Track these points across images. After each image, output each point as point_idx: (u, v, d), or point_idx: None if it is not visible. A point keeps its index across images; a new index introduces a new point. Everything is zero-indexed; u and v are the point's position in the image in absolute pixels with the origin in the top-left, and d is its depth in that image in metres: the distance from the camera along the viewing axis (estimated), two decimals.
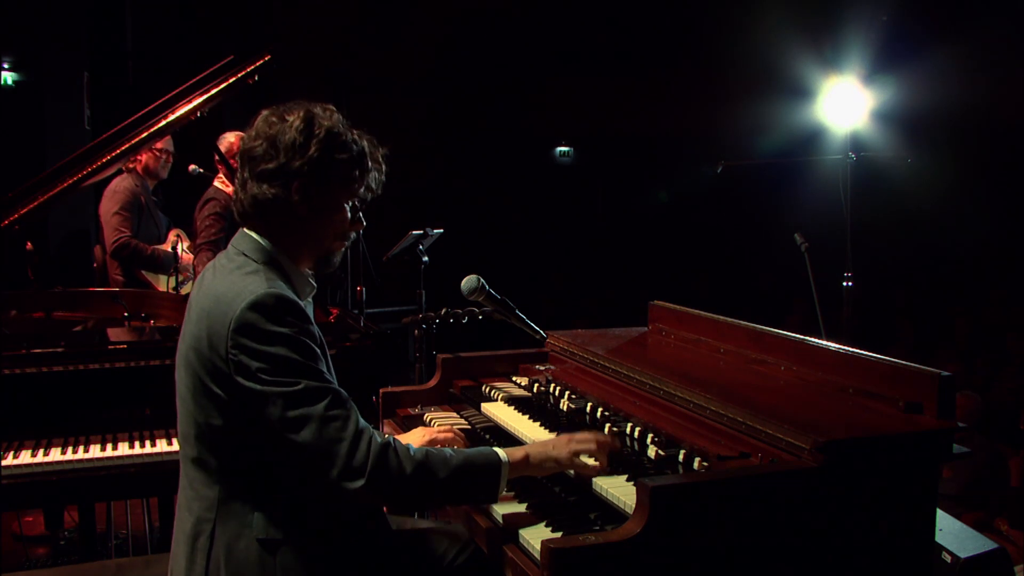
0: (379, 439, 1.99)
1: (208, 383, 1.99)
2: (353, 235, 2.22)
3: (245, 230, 2.14)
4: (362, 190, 2.15)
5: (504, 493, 2.13)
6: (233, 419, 2.00)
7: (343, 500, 2.05)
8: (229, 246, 2.16)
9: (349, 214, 2.15)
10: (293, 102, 2.13)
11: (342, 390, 2.01)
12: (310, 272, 2.22)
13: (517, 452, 2.13)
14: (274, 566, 2.01)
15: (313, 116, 2.08)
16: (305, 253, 2.17)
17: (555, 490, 2.26)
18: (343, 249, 2.23)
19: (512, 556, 1.98)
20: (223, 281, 2.05)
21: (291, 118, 2.07)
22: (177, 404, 2.13)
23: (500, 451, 2.11)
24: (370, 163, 2.15)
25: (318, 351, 2.02)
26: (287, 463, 2.01)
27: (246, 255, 2.09)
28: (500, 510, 2.15)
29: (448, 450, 2.08)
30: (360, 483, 1.94)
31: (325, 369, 2.02)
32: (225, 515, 2.02)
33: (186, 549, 2.06)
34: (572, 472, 2.19)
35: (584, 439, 2.19)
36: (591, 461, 2.17)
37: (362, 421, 1.99)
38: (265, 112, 2.12)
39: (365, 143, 2.15)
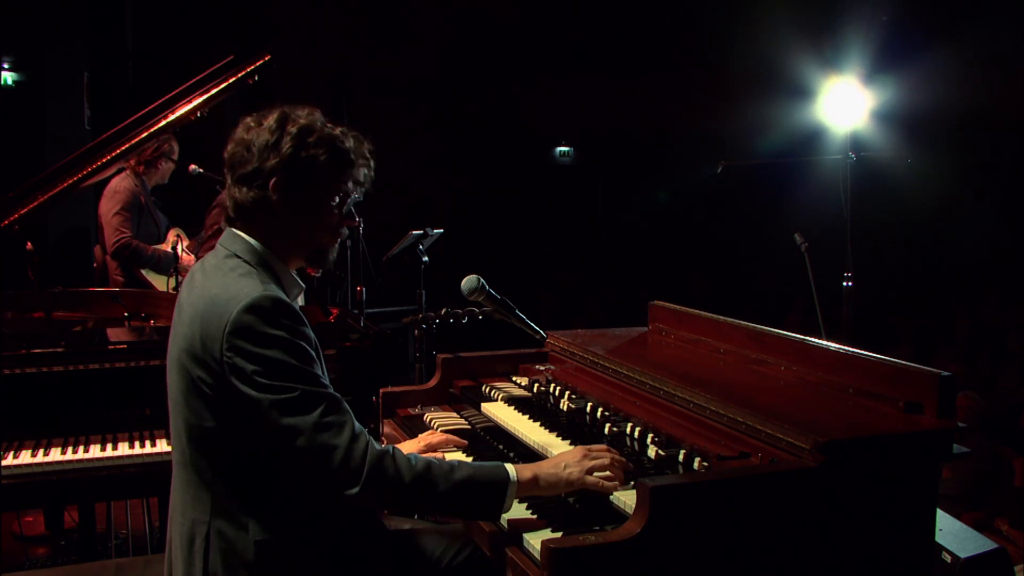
0: (377, 446, 1.97)
1: (201, 385, 1.97)
2: (346, 231, 2.18)
3: (233, 231, 2.12)
4: (348, 185, 2.12)
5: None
6: (226, 421, 1.98)
7: (339, 503, 2.04)
8: (218, 246, 2.13)
9: (337, 210, 2.12)
10: (276, 106, 2.11)
11: (338, 395, 1.98)
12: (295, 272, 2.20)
13: (526, 471, 2.05)
14: (272, 568, 2.00)
15: (287, 115, 2.07)
16: (294, 251, 2.14)
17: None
18: (336, 245, 2.19)
19: (513, 557, 1.98)
20: (216, 282, 2.02)
21: (266, 121, 2.07)
22: (169, 407, 2.10)
23: (510, 468, 2.04)
24: (354, 157, 2.11)
25: (313, 354, 2.00)
26: (282, 466, 1.99)
27: (238, 256, 2.07)
28: (505, 515, 2.09)
29: (454, 462, 2.04)
30: (355, 489, 1.93)
31: (321, 373, 2.00)
32: (220, 517, 2.01)
33: (183, 553, 2.04)
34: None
35: (598, 455, 2.11)
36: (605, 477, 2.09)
37: (358, 426, 1.97)
38: (245, 119, 2.11)
39: (350, 139, 2.12)
